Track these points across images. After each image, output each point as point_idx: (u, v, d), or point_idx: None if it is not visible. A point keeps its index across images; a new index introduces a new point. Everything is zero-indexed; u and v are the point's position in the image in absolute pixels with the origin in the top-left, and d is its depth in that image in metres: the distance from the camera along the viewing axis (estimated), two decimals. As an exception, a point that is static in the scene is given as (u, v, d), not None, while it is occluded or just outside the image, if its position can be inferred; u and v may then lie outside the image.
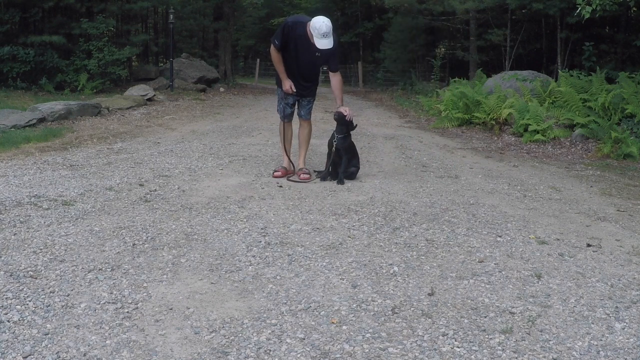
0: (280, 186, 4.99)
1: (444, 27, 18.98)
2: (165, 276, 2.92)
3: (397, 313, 2.59)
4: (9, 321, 2.39)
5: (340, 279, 2.96)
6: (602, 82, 8.97)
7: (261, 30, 35.74)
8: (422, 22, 18.57)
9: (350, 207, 4.34)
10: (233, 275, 2.97)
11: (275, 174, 5.37)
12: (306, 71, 5.33)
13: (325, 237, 3.63)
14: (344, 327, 2.44)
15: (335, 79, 5.20)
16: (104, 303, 2.59)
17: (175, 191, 4.68)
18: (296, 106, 5.58)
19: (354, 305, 2.66)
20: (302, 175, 5.28)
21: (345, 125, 5.20)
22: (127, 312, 2.51)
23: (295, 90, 5.25)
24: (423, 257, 3.33)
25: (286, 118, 5.51)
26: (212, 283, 2.86)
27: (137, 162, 5.85)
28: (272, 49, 5.12)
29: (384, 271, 3.09)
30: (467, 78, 14.06)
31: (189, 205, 4.25)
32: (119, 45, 15.04)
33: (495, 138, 8.98)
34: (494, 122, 9.48)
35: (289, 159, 5.53)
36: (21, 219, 3.75)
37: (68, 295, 2.65)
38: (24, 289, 2.70)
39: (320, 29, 4.83)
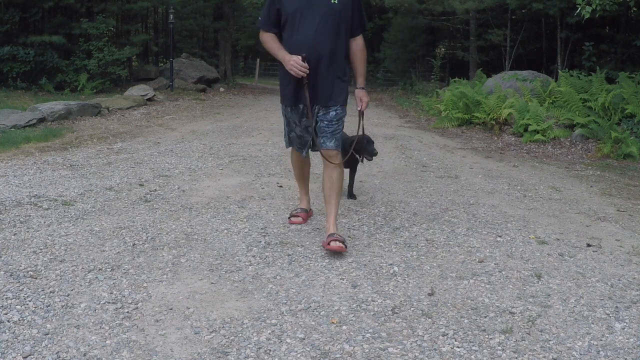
0: (281, 186, 4.99)
1: (444, 27, 18.99)
2: (165, 276, 2.92)
3: (397, 313, 2.59)
4: (9, 321, 2.39)
5: (340, 279, 2.96)
6: (602, 82, 8.98)
7: (261, 30, 35.66)
8: (422, 22, 18.59)
9: (350, 207, 4.34)
10: (233, 275, 2.97)
11: (294, 219, 3.87)
12: (322, 45, 3.26)
13: (325, 237, 3.62)
14: (344, 327, 2.44)
15: (357, 42, 3.47)
16: (104, 303, 2.59)
17: (175, 191, 4.68)
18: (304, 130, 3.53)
19: (354, 305, 2.66)
20: (331, 244, 3.26)
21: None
22: (127, 312, 2.51)
23: (306, 66, 3.22)
24: (423, 257, 3.33)
25: (304, 149, 3.63)
26: (212, 283, 2.86)
27: (137, 162, 5.85)
28: (261, 33, 3.50)
29: (384, 271, 3.09)
30: (467, 78, 14.07)
31: (189, 205, 4.25)
32: (119, 45, 15.06)
33: (495, 138, 8.98)
34: (494, 122, 9.48)
35: (308, 197, 4.03)
36: (21, 219, 3.75)
37: (68, 295, 2.65)
38: (24, 289, 2.70)
39: None
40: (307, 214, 3.95)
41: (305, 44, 3.25)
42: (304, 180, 3.94)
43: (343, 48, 3.38)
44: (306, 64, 3.20)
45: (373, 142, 4.40)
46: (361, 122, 3.54)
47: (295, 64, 3.20)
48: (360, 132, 3.61)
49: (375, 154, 4.34)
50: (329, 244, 3.27)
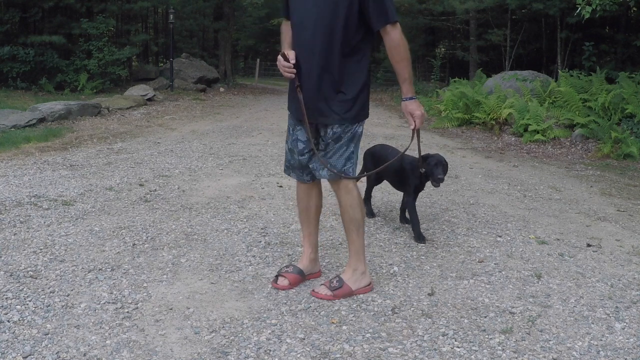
0: (280, 186, 4.99)
1: (444, 27, 19.02)
2: (165, 276, 2.92)
3: (397, 313, 2.59)
4: (9, 321, 2.39)
5: (340, 279, 2.96)
6: (602, 82, 8.99)
7: (261, 30, 35.77)
8: (422, 22, 18.60)
9: (350, 207, 4.34)
10: (233, 275, 2.97)
11: (279, 282, 2.82)
12: (313, 40, 2.56)
13: (325, 237, 3.62)
14: (344, 327, 2.44)
15: (389, 38, 2.55)
16: (104, 303, 2.59)
17: (175, 191, 4.68)
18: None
19: (354, 305, 2.65)
20: (316, 290, 2.77)
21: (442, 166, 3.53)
22: (127, 312, 2.51)
23: (289, 65, 2.60)
24: (423, 257, 3.33)
25: (293, 172, 2.84)
26: (212, 283, 2.86)
27: (137, 162, 5.85)
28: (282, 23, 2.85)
29: (384, 271, 3.09)
30: (467, 78, 14.08)
31: (189, 205, 4.25)
32: (119, 45, 15.07)
33: (495, 138, 8.98)
34: (494, 122, 9.48)
35: (312, 250, 2.94)
36: (21, 219, 3.75)
37: (68, 295, 2.65)
38: (24, 289, 2.70)
39: None
40: (300, 277, 2.85)
41: (299, 37, 2.62)
42: (306, 221, 2.91)
43: (341, 46, 2.54)
44: (289, 63, 2.59)
45: (443, 165, 3.52)
46: (413, 141, 2.81)
47: (278, 63, 2.64)
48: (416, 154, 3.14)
49: (439, 180, 3.47)
50: (315, 291, 2.75)
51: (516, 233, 3.87)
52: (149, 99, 12.64)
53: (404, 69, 2.57)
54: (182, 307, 2.57)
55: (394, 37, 2.53)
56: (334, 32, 2.52)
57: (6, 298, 2.60)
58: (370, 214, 4.12)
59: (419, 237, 3.59)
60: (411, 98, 2.61)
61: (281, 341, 2.31)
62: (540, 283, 3.01)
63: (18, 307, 2.52)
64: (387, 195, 4.79)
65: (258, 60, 28.16)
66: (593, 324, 2.56)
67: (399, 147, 7.62)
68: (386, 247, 3.49)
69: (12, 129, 7.67)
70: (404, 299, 2.74)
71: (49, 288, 2.72)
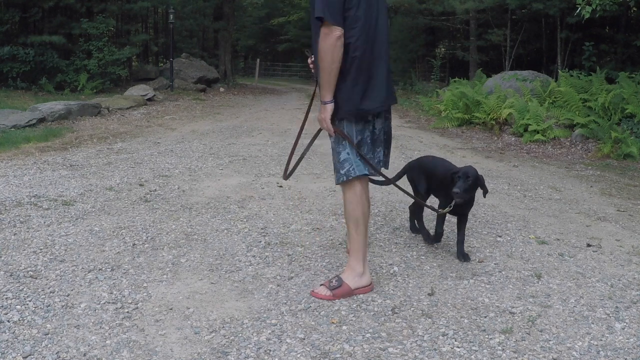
0: (280, 186, 4.99)
1: (444, 27, 19.00)
2: (165, 276, 2.92)
3: (397, 313, 2.59)
4: (9, 321, 2.39)
5: (340, 279, 2.96)
6: (602, 82, 8.98)
7: (261, 30, 35.82)
8: (422, 22, 18.58)
9: (350, 207, 4.34)
10: (233, 275, 2.97)
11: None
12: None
13: (325, 237, 3.62)
14: (344, 327, 2.44)
15: (319, 36, 2.49)
16: (104, 303, 2.59)
17: (175, 191, 4.68)
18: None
19: (354, 305, 2.66)
20: (315, 290, 2.78)
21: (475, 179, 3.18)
22: (127, 312, 2.51)
23: (312, 60, 2.84)
24: (423, 257, 3.33)
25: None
26: (212, 283, 2.86)
27: (137, 162, 5.85)
28: None
29: (384, 271, 3.09)
30: (467, 78, 14.07)
31: (189, 205, 4.25)
32: (119, 45, 15.08)
33: (495, 138, 8.98)
34: (494, 122, 9.48)
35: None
36: (21, 219, 3.75)
37: (68, 295, 2.65)
38: (24, 289, 2.70)
39: None
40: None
41: None
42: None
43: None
44: (309, 62, 2.88)
45: (467, 178, 3.14)
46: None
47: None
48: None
49: (454, 194, 3.10)
50: (316, 290, 2.76)
51: (516, 233, 3.87)
52: (149, 99, 12.65)
53: (321, 70, 2.53)
54: (182, 307, 2.57)
55: (321, 35, 2.47)
56: (315, 35, 2.59)
57: (6, 298, 2.60)
58: (429, 238, 3.57)
59: (429, 238, 3.56)
60: (323, 102, 2.60)
61: (281, 341, 2.31)
62: (540, 283, 3.01)
63: (18, 307, 2.52)
64: (387, 195, 4.79)
65: (258, 60, 28.17)
66: (593, 324, 2.56)
67: (399, 146, 7.65)
68: (386, 247, 3.49)
69: (12, 129, 7.67)
70: (404, 299, 2.74)
71: (49, 288, 2.72)
